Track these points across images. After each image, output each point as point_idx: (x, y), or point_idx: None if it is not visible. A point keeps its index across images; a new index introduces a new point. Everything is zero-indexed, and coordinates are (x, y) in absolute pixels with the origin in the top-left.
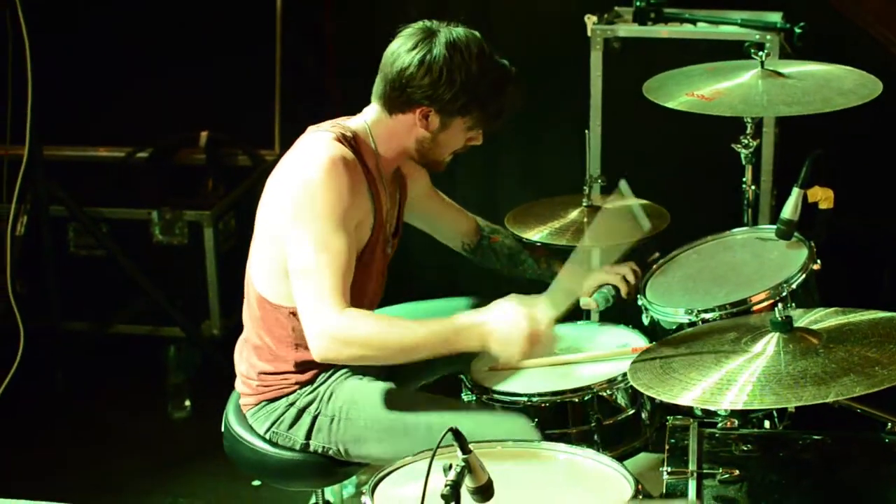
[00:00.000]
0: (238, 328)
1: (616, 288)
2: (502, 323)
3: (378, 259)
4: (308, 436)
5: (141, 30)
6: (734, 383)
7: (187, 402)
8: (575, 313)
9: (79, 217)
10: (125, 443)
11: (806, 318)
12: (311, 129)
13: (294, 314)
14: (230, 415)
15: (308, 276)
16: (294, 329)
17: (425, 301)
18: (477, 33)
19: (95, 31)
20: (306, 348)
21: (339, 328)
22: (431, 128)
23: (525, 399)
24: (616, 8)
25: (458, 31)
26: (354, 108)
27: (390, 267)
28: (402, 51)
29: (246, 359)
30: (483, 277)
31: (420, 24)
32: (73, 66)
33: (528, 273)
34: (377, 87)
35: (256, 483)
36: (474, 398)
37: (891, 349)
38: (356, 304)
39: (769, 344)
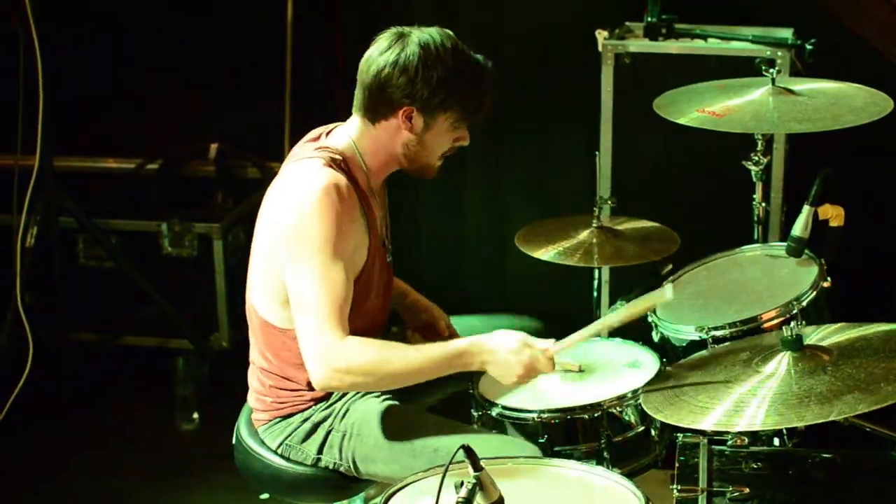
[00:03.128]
0: (247, 341)
1: (624, 303)
2: (502, 348)
3: (378, 273)
4: (320, 450)
5: (151, 41)
6: (746, 406)
7: (195, 415)
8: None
9: (88, 228)
10: (133, 454)
11: (818, 334)
12: (296, 152)
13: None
14: (242, 428)
15: (307, 307)
16: (300, 353)
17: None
18: (449, 31)
19: (106, 43)
20: None
21: (338, 358)
22: (416, 129)
23: (535, 415)
24: (627, 23)
25: (430, 31)
26: None
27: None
28: (375, 56)
29: (257, 377)
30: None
31: (393, 29)
32: (83, 77)
33: None
34: (357, 98)
35: (264, 496)
36: (483, 414)
37: None
38: (362, 321)
39: (780, 363)
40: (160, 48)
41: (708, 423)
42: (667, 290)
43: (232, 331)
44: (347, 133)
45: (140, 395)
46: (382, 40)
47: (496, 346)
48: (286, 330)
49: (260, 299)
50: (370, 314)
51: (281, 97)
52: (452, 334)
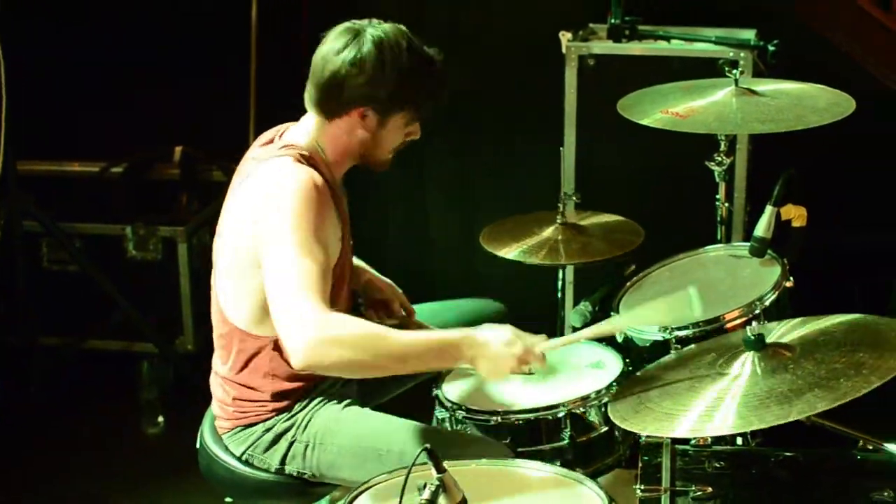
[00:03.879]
0: (212, 344)
1: (593, 304)
2: (497, 343)
3: (346, 265)
4: (283, 461)
5: (115, 45)
6: (713, 410)
7: (160, 418)
8: (549, 330)
9: (52, 232)
10: (98, 458)
11: (780, 330)
12: (258, 154)
13: (275, 342)
14: (205, 433)
15: (288, 282)
16: (273, 359)
17: (448, 301)
18: (402, 26)
19: (70, 46)
20: (283, 378)
21: (326, 326)
22: (370, 127)
23: (498, 416)
24: (591, 25)
25: (384, 27)
26: None
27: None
28: (330, 54)
29: (220, 386)
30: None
31: (344, 25)
32: (47, 81)
33: None
34: (311, 94)
35: (229, 500)
36: (448, 415)
37: (859, 357)
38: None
39: (745, 364)
40: (125, 51)
41: (673, 430)
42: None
43: (197, 334)
44: (305, 130)
45: (105, 399)
46: (336, 38)
47: (488, 340)
48: (259, 336)
49: (233, 306)
50: (341, 308)
51: (246, 100)
52: (409, 313)
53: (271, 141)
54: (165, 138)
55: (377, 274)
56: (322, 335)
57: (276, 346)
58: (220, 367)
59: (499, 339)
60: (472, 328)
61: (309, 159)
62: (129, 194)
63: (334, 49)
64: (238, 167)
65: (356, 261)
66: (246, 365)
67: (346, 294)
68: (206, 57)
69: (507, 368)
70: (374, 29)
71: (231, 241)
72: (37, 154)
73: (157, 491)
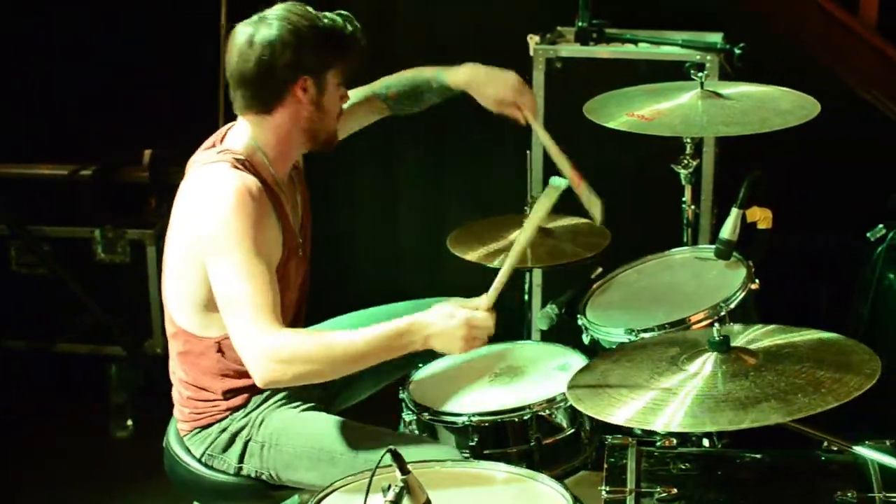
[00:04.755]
0: None
1: (559, 307)
2: (439, 318)
3: (294, 271)
4: (241, 460)
5: (83, 47)
6: (665, 404)
7: (129, 422)
8: (515, 332)
9: (21, 235)
10: (67, 462)
11: (747, 336)
12: (197, 158)
13: (219, 344)
14: (170, 435)
15: (237, 306)
16: (219, 360)
17: (369, 309)
18: (297, 2)
19: (37, 49)
20: (232, 377)
21: (278, 349)
22: (312, 97)
23: (465, 418)
24: (559, 28)
25: (279, 6)
26: None
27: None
28: (245, 49)
29: (176, 388)
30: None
31: (240, 25)
32: (15, 83)
33: (435, 98)
34: (242, 98)
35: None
36: (415, 417)
37: (819, 376)
38: (285, 317)
39: (706, 363)
40: (93, 54)
41: (621, 417)
42: (557, 181)
43: (165, 337)
44: (244, 133)
45: (74, 403)
46: (241, 35)
47: (434, 318)
48: (203, 338)
49: (177, 308)
50: (288, 310)
51: (215, 102)
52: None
53: (213, 145)
54: (134, 141)
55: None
56: (276, 357)
57: (221, 347)
58: (175, 368)
59: (441, 314)
60: (419, 312)
61: (246, 163)
62: (98, 197)
63: (245, 43)
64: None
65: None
66: (195, 365)
67: (292, 299)
68: (174, 59)
69: (461, 339)
70: (270, 11)
71: (173, 244)
72: (5, 157)
73: (125, 494)
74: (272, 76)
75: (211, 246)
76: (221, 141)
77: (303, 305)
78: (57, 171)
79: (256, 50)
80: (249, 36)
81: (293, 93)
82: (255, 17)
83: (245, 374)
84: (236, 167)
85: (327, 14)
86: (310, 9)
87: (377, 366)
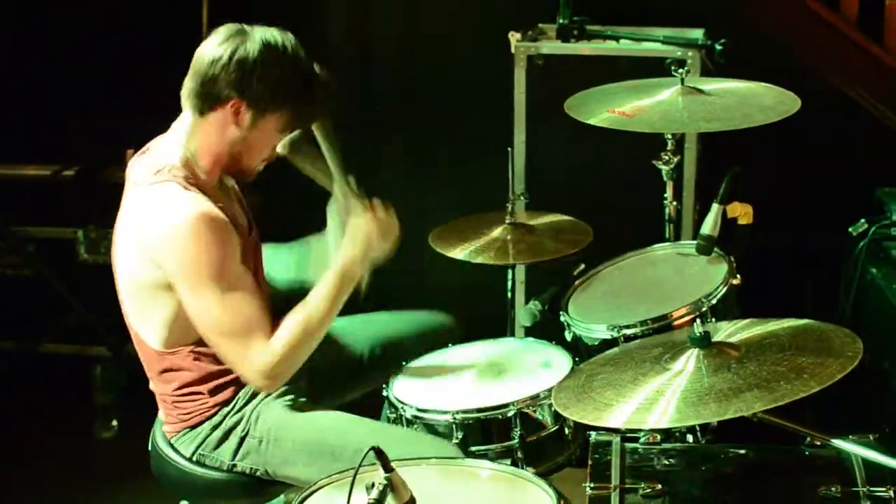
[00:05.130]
0: None
1: (542, 303)
2: (356, 239)
3: (253, 257)
4: (235, 456)
5: (66, 48)
6: (653, 403)
7: (114, 422)
8: (499, 330)
9: (4, 236)
10: (52, 463)
11: (728, 330)
12: (135, 171)
13: (195, 352)
14: (157, 435)
15: (226, 334)
16: (199, 366)
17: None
18: (291, 34)
19: (20, 49)
20: (216, 375)
21: (274, 363)
22: (243, 124)
23: (449, 415)
24: (540, 25)
25: (273, 31)
26: None
27: None
28: (213, 46)
29: (158, 392)
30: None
31: (234, 24)
32: None
33: None
34: (187, 87)
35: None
36: (398, 415)
37: (800, 362)
38: None
39: (689, 360)
40: (75, 53)
41: (613, 420)
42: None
43: None
44: (177, 139)
45: (59, 403)
46: (223, 33)
47: (352, 246)
48: (178, 351)
49: (143, 330)
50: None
51: None
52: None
53: (145, 153)
54: (116, 141)
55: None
56: (274, 371)
57: (198, 356)
58: (154, 386)
59: (355, 236)
60: (340, 253)
61: (190, 178)
62: (81, 197)
63: (218, 41)
64: (126, 174)
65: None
66: (177, 378)
67: (255, 281)
68: (156, 59)
69: (381, 242)
70: (264, 31)
71: (128, 269)
72: None
73: (111, 495)
74: (216, 82)
75: (185, 280)
76: (152, 151)
77: (264, 281)
78: (40, 172)
79: (218, 52)
80: (225, 37)
81: (227, 108)
82: (242, 26)
83: (228, 370)
84: (187, 188)
85: (310, 63)
86: (297, 50)
87: (361, 373)
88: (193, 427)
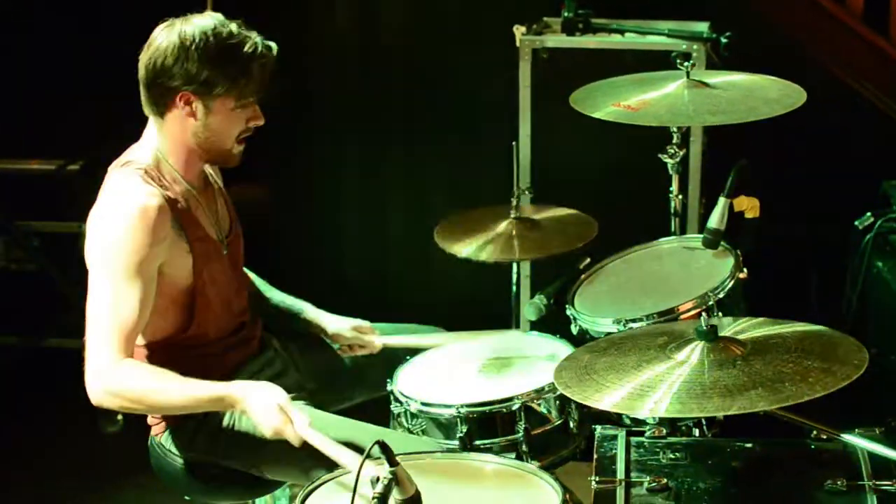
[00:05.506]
0: None
1: (547, 297)
2: (257, 409)
3: (219, 271)
4: (225, 454)
5: (71, 43)
6: (652, 391)
7: (119, 417)
8: (504, 323)
9: (9, 230)
10: (56, 457)
11: (736, 327)
12: (114, 166)
13: (149, 347)
14: (153, 433)
15: (93, 324)
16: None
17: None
18: (218, 14)
19: (26, 44)
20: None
21: (111, 381)
22: (197, 114)
23: (454, 409)
24: (545, 18)
25: (197, 16)
26: None
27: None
28: (144, 50)
29: None
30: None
31: (160, 25)
32: (3, 78)
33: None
34: (142, 96)
35: (187, 498)
36: (403, 409)
37: (807, 365)
38: (223, 319)
39: (694, 352)
40: (80, 48)
41: (608, 403)
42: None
43: None
44: (148, 142)
45: (63, 398)
46: (152, 35)
47: (252, 405)
48: (151, 343)
49: None
50: (216, 313)
51: None
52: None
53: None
54: (121, 136)
55: (333, 321)
56: (107, 386)
57: (152, 349)
58: None
59: (261, 405)
60: (247, 384)
61: (153, 173)
62: (86, 192)
63: (148, 44)
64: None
65: (313, 312)
66: None
67: (225, 299)
68: None
69: (267, 430)
70: (184, 20)
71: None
72: None
73: (116, 490)
74: (156, 83)
75: (92, 258)
76: (129, 151)
77: (243, 300)
78: (44, 167)
79: (148, 53)
80: (151, 38)
81: (176, 104)
82: (171, 21)
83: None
84: (145, 180)
85: (241, 33)
86: (223, 24)
87: (365, 379)
88: (179, 426)
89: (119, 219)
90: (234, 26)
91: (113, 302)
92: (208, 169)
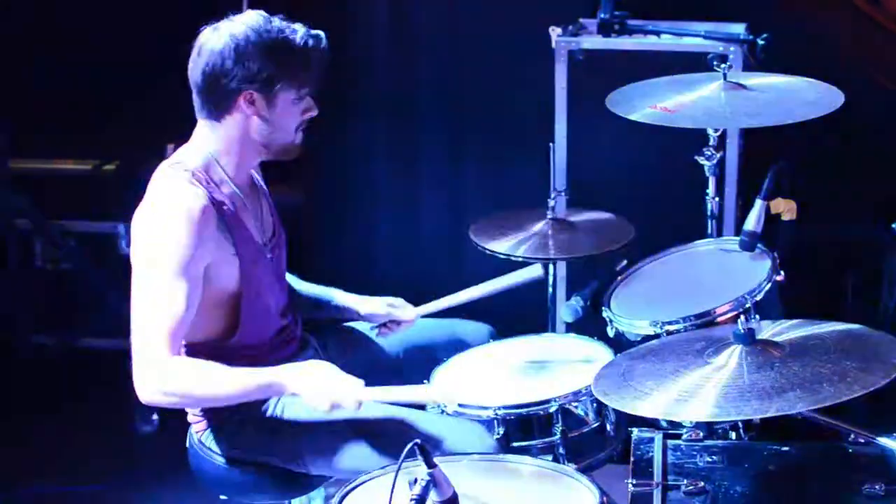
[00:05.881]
0: None
1: (584, 299)
2: (310, 382)
3: (265, 274)
4: (267, 450)
5: (107, 43)
6: (692, 396)
7: (154, 416)
8: (540, 325)
9: (45, 230)
10: (92, 457)
11: (773, 329)
12: (161, 167)
13: (191, 347)
14: (193, 432)
15: (140, 322)
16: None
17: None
18: (260, 11)
19: (62, 44)
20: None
21: (160, 377)
22: (261, 111)
23: (490, 411)
24: (581, 20)
25: (240, 16)
26: None
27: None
28: (195, 56)
29: None
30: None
31: (205, 30)
32: (39, 78)
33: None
34: (196, 103)
35: (224, 497)
36: (440, 410)
37: (845, 366)
38: (267, 323)
39: (731, 356)
40: (116, 49)
41: (649, 409)
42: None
43: None
44: (196, 144)
45: (99, 398)
46: (199, 41)
47: (302, 385)
48: (196, 343)
49: None
50: (261, 316)
51: None
52: (409, 320)
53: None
54: (157, 136)
55: (365, 301)
56: (156, 384)
57: (195, 350)
58: None
59: (311, 382)
60: (293, 366)
61: (201, 175)
62: (122, 192)
63: (196, 50)
64: None
65: (343, 297)
66: None
67: (267, 302)
68: None
69: (324, 405)
70: (230, 21)
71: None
72: (29, 152)
73: (151, 490)
74: (217, 87)
75: (138, 255)
76: (178, 154)
77: (284, 305)
78: (80, 167)
79: (203, 59)
80: (201, 44)
81: (238, 105)
82: (213, 26)
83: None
84: (192, 182)
85: (289, 26)
86: (272, 21)
87: (398, 374)
88: (219, 423)
89: (165, 218)
90: (279, 20)
91: (160, 300)
92: (253, 172)
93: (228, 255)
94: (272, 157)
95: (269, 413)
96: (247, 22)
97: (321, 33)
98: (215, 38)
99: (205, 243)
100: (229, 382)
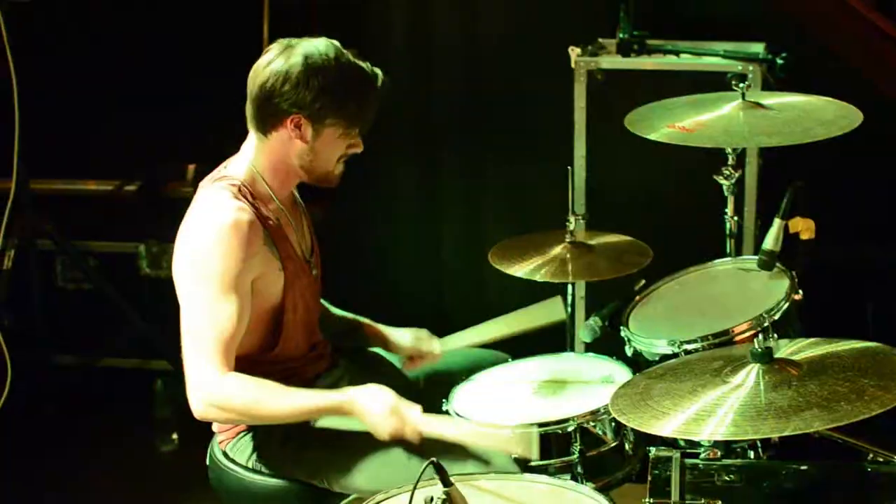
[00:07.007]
0: None
1: (602, 319)
2: (372, 412)
3: (306, 289)
4: (293, 463)
5: (129, 62)
6: (709, 415)
7: (174, 436)
8: (559, 345)
9: (66, 250)
10: (112, 476)
11: (791, 347)
12: (206, 182)
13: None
14: (214, 447)
15: (193, 338)
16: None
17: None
18: (335, 41)
19: (83, 64)
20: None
21: (216, 394)
22: (305, 137)
23: (508, 431)
24: (600, 40)
25: (316, 41)
26: None
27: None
28: (260, 68)
29: None
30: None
31: (279, 41)
32: (60, 98)
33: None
34: (248, 111)
35: None
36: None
37: (863, 384)
38: (304, 337)
39: (749, 375)
40: (137, 69)
41: (668, 429)
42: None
43: None
44: (245, 157)
45: (120, 417)
46: (269, 52)
47: (367, 407)
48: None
49: None
50: (300, 330)
51: None
52: (434, 356)
53: (224, 166)
54: (178, 156)
55: (393, 332)
56: (212, 400)
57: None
58: None
59: (377, 407)
60: (357, 390)
61: (246, 190)
62: (143, 212)
63: (264, 62)
64: None
65: (372, 326)
66: None
67: (304, 319)
68: (218, 74)
69: (384, 434)
70: (307, 42)
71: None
72: (51, 172)
73: None
74: (270, 103)
75: (185, 272)
76: (226, 167)
77: (316, 325)
78: (102, 187)
79: (265, 74)
80: (271, 57)
81: (285, 125)
82: (288, 41)
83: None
84: (237, 197)
85: (357, 65)
86: (340, 54)
87: (423, 399)
88: (247, 432)
89: (211, 233)
90: (351, 56)
91: (211, 315)
92: (294, 189)
93: (275, 270)
94: (311, 181)
95: (297, 426)
96: (321, 50)
97: (381, 75)
98: (284, 58)
99: (251, 257)
100: (290, 402)
